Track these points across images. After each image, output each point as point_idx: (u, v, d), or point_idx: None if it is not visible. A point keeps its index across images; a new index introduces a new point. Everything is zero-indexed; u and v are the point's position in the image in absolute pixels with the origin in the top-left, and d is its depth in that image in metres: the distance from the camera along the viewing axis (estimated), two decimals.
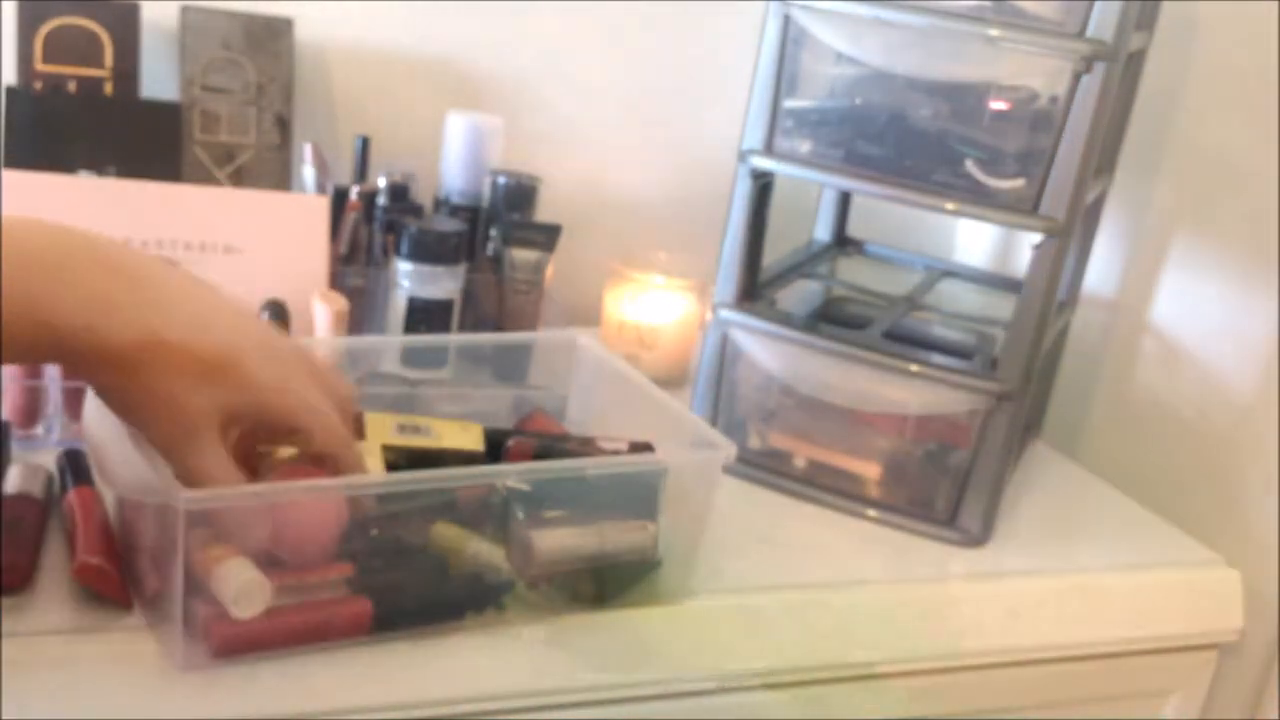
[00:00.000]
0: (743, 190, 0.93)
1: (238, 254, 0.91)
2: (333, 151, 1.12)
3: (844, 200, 1.18)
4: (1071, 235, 0.84)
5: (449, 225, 0.98)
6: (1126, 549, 0.94)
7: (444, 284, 0.97)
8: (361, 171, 1.07)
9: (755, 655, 0.77)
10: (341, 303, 0.89)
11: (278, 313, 0.89)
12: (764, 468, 0.94)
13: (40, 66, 1.00)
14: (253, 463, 0.66)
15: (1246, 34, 0.98)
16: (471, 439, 0.76)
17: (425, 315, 0.96)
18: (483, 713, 0.67)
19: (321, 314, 0.89)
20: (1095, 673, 0.90)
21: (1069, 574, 0.90)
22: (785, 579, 0.81)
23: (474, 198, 1.08)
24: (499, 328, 1.04)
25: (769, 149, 0.91)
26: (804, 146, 0.91)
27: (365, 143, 1.06)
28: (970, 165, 0.86)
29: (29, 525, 0.69)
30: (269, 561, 0.62)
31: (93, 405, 0.66)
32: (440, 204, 1.09)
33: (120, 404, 0.57)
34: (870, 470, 0.93)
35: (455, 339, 0.97)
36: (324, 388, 0.63)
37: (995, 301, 1.09)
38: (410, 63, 1.15)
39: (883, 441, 0.93)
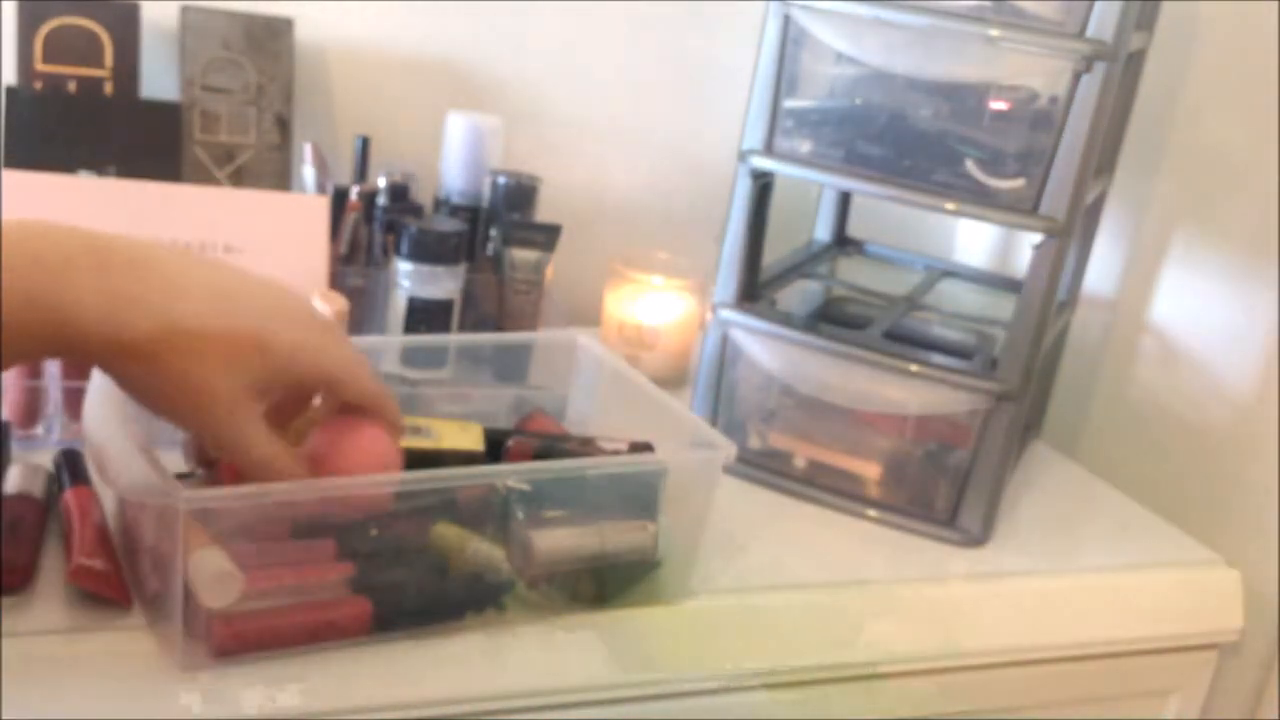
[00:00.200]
0: (743, 190, 0.93)
1: (237, 254, 0.91)
2: (333, 151, 1.12)
3: (844, 200, 1.18)
4: (1071, 235, 0.84)
5: (449, 225, 0.98)
6: (1126, 549, 0.94)
7: (444, 284, 0.97)
8: (361, 171, 1.07)
9: (755, 655, 0.77)
10: (341, 303, 0.89)
11: None
12: (764, 468, 0.94)
13: (40, 66, 1.00)
14: (292, 425, 0.66)
15: (1246, 34, 0.98)
16: (471, 439, 0.76)
17: (425, 315, 0.96)
18: (483, 713, 0.67)
19: None
20: (1095, 673, 0.90)
21: (1069, 574, 0.90)
22: (785, 579, 0.81)
23: (474, 198, 1.08)
24: (499, 328, 1.04)
25: (769, 149, 0.91)
26: (804, 146, 0.91)
27: (365, 143, 1.06)
28: (970, 165, 0.86)
29: (29, 525, 0.69)
30: (319, 518, 0.62)
31: (93, 405, 0.66)
32: (440, 204, 1.09)
33: (149, 395, 0.57)
34: (870, 470, 0.93)
35: (455, 339, 0.97)
36: (344, 342, 0.64)
37: (995, 301, 1.09)
38: (410, 63, 1.15)
39: (883, 441, 0.93)
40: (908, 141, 0.88)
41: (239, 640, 0.63)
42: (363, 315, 0.98)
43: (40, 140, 0.99)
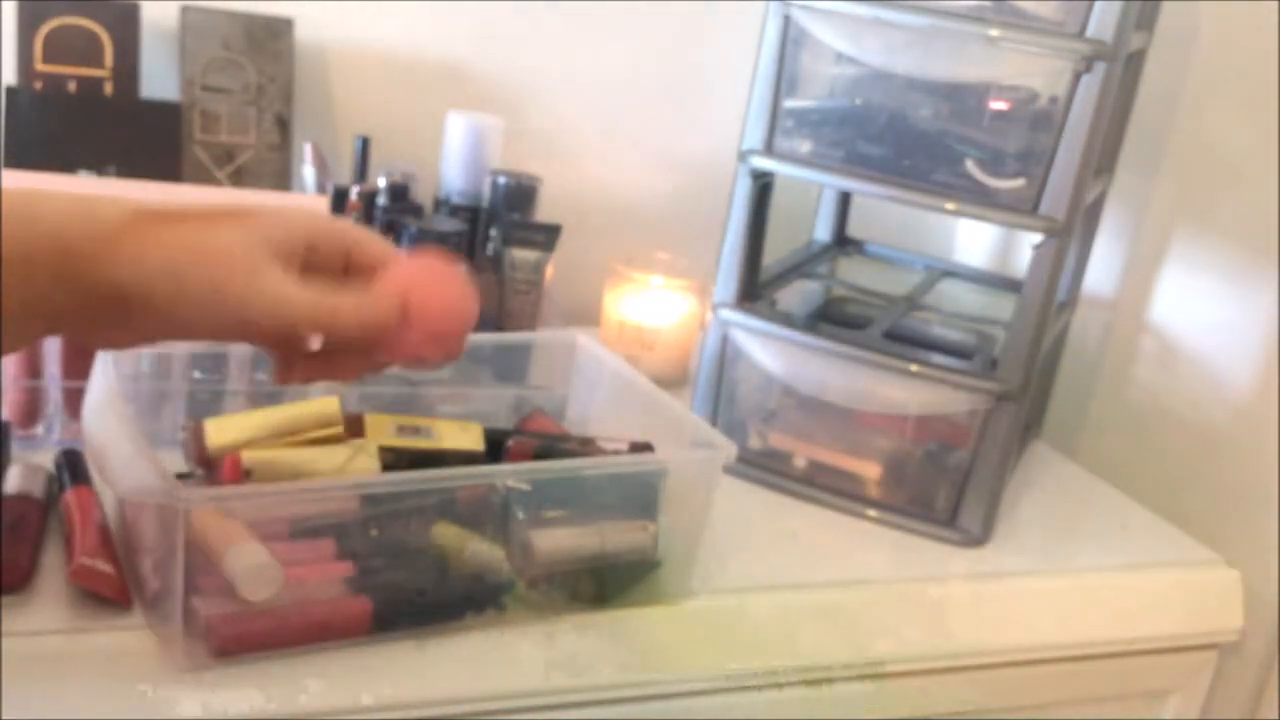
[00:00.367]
0: (743, 190, 0.93)
1: None
2: (333, 151, 1.12)
3: (844, 200, 1.18)
4: (1071, 235, 0.84)
5: (449, 225, 0.98)
6: (1126, 549, 0.94)
7: None
8: (361, 171, 1.07)
9: (755, 655, 0.77)
10: None
11: None
12: (764, 468, 0.94)
13: (40, 66, 1.00)
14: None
15: (1246, 34, 0.98)
16: (471, 439, 0.76)
17: None
18: (483, 713, 0.67)
19: None
20: (1095, 673, 0.90)
21: (1069, 574, 0.90)
22: (785, 579, 0.81)
23: (474, 198, 1.08)
24: (499, 328, 1.04)
25: (769, 149, 0.91)
26: (804, 146, 0.91)
27: (365, 143, 1.06)
28: (970, 165, 0.86)
29: (29, 525, 0.69)
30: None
31: (93, 405, 0.66)
32: (440, 204, 1.09)
33: (165, 299, 0.48)
34: (870, 470, 0.93)
35: None
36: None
37: (995, 301, 1.09)
38: (410, 63, 1.15)
39: (883, 441, 0.93)
40: (908, 141, 0.88)
41: (239, 640, 0.63)
42: None
43: (40, 140, 0.99)
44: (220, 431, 0.69)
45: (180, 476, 0.69)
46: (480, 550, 0.69)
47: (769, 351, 0.93)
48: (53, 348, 0.80)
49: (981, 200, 0.86)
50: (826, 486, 0.93)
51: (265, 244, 0.51)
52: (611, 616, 0.73)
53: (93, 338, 0.53)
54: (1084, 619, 0.88)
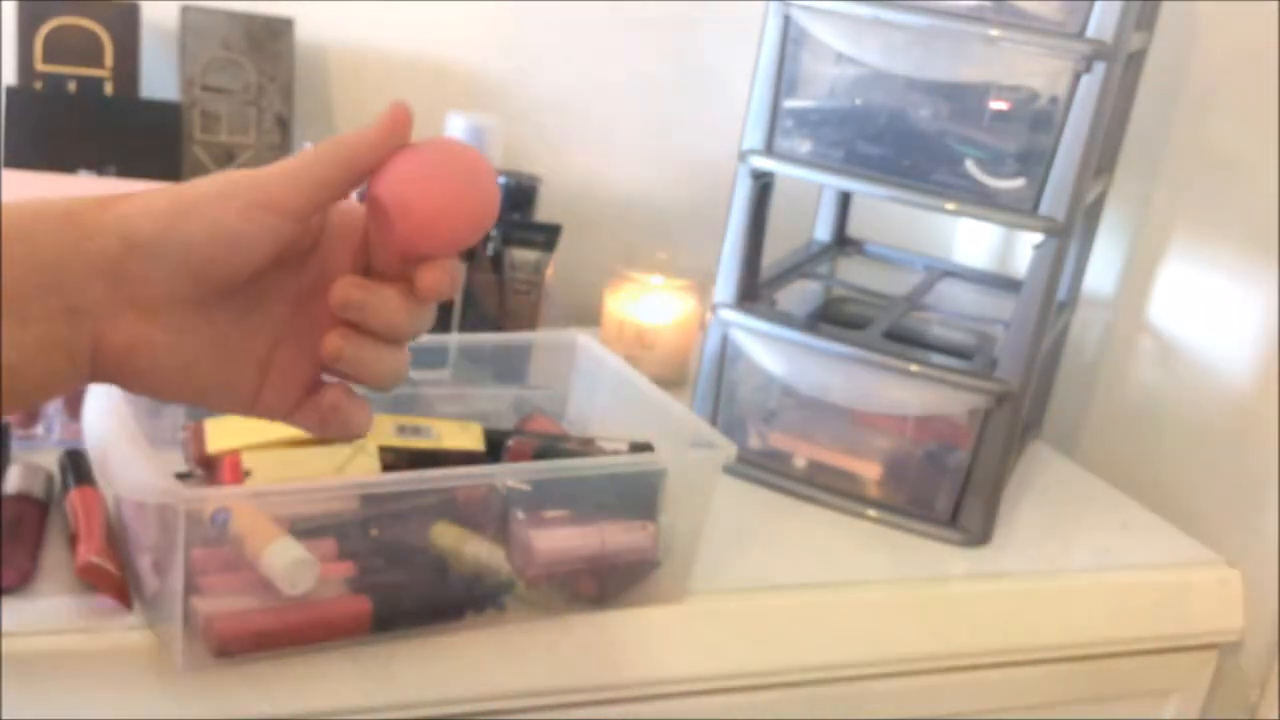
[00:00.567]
0: (743, 190, 0.93)
1: None
2: None
3: (844, 200, 1.18)
4: (1071, 235, 0.84)
5: None
6: (1126, 549, 0.94)
7: None
8: None
9: (755, 655, 0.77)
10: None
11: None
12: (764, 468, 0.94)
13: (40, 66, 1.00)
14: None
15: (1246, 34, 0.98)
16: (471, 439, 0.76)
17: None
18: (483, 713, 0.67)
19: None
20: (1095, 673, 0.90)
21: (1069, 574, 0.90)
22: (785, 579, 0.81)
23: None
24: (499, 328, 1.04)
25: (769, 149, 0.91)
26: (804, 146, 0.91)
27: None
28: (970, 165, 0.86)
29: (29, 525, 0.69)
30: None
31: (93, 405, 0.66)
32: None
33: (174, 243, 0.43)
34: (870, 470, 0.93)
35: (455, 339, 0.97)
36: None
37: (995, 301, 1.09)
38: (410, 63, 1.15)
39: (883, 441, 0.93)
40: (908, 141, 0.88)
41: (239, 640, 0.63)
42: None
43: (40, 140, 0.99)
44: (220, 432, 0.69)
45: (180, 476, 0.69)
46: (480, 550, 0.69)
47: (769, 351, 0.93)
48: None
49: (981, 200, 0.86)
50: (826, 486, 0.93)
51: (247, 176, 0.46)
52: (611, 616, 0.73)
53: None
54: (1084, 619, 0.88)
